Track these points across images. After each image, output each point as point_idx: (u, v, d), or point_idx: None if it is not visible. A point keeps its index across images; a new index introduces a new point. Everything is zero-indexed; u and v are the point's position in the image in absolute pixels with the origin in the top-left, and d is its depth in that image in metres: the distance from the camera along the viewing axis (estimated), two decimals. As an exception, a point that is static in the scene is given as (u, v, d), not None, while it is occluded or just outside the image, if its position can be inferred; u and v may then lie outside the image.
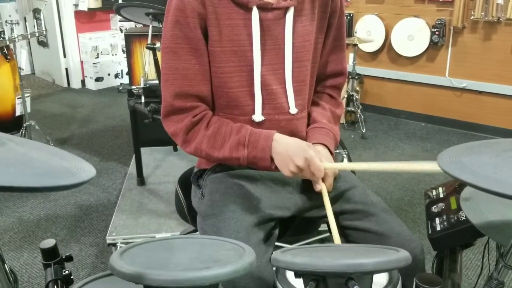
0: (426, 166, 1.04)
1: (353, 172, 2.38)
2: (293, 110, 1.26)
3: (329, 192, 1.20)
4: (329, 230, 1.32)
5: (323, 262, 0.78)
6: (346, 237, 1.25)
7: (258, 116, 1.23)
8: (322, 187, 1.19)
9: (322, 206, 1.27)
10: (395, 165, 1.13)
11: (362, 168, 1.26)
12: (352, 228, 1.23)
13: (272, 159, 1.16)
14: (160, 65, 2.45)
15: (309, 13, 1.24)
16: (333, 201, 1.23)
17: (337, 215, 1.24)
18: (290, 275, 0.99)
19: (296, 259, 0.80)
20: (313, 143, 1.25)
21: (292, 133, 1.24)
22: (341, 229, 1.25)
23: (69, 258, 1.20)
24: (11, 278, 0.84)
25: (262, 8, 1.18)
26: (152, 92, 2.50)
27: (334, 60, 1.36)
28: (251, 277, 1.06)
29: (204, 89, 1.22)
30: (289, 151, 1.14)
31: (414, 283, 0.82)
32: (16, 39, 3.07)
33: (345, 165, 1.22)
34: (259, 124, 1.23)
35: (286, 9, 1.20)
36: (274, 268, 1.03)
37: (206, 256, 0.83)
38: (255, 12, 1.17)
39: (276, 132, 1.18)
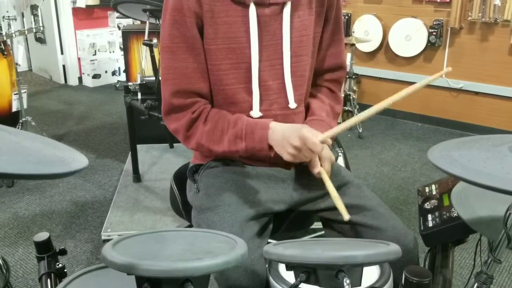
0: (416, 85, 1.02)
1: (349, 168, 2.38)
2: (292, 104, 1.26)
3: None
4: (324, 224, 1.33)
5: (314, 254, 0.78)
6: (341, 232, 1.26)
7: (255, 112, 1.23)
8: (321, 169, 1.17)
9: (317, 199, 1.27)
10: (390, 99, 1.12)
11: (358, 120, 1.21)
12: (347, 223, 1.23)
13: (270, 147, 1.17)
14: (157, 62, 2.47)
15: (306, 7, 1.25)
16: (328, 196, 1.23)
17: (332, 210, 1.25)
18: (282, 268, 1.00)
19: (287, 251, 0.81)
20: None
21: None
22: (337, 223, 1.26)
23: (63, 252, 1.21)
24: (4, 270, 0.84)
25: (259, 4, 1.19)
26: (148, 89, 2.50)
27: (333, 53, 1.36)
28: (244, 270, 1.06)
29: (203, 86, 1.23)
30: (284, 135, 1.14)
31: (403, 276, 0.83)
32: (13, 35, 3.07)
33: (340, 127, 1.17)
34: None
35: (283, 4, 1.21)
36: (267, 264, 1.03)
37: (198, 248, 0.84)
38: (252, 9, 1.17)
39: (271, 121, 1.19)
